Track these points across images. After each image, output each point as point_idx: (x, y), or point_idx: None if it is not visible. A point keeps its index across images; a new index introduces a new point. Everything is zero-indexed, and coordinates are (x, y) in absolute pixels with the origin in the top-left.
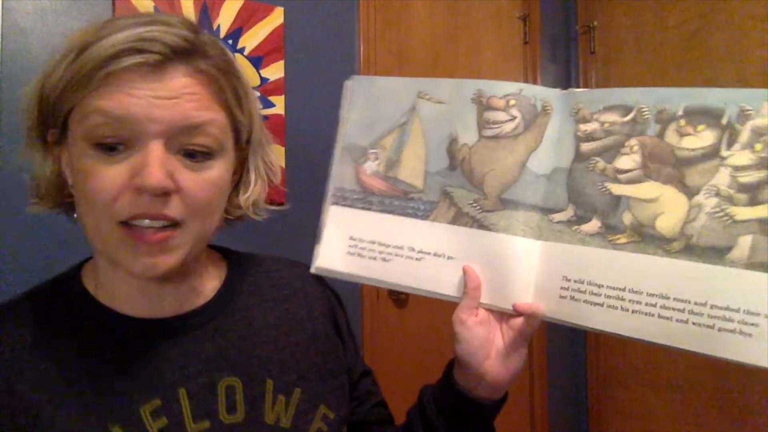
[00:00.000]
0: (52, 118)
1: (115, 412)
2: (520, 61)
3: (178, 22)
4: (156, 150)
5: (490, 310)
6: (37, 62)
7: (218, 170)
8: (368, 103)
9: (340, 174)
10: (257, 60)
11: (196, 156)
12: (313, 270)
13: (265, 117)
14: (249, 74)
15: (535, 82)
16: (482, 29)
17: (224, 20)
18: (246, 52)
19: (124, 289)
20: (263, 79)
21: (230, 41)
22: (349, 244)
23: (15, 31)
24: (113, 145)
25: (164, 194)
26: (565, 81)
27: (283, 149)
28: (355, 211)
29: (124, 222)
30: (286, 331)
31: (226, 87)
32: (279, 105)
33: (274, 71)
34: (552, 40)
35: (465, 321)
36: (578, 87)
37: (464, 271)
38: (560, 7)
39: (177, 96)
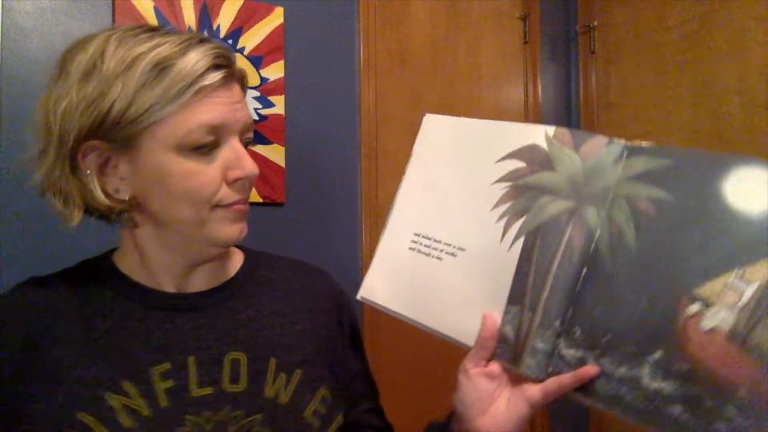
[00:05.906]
0: (116, 132)
1: (127, 369)
2: (520, 61)
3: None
4: (240, 145)
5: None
6: (37, 62)
7: None
8: None
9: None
10: (257, 60)
11: (248, 147)
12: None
13: (265, 117)
14: (249, 74)
15: (534, 82)
16: (482, 29)
17: (224, 20)
18: (246, 52)
19: (168, 267)
20: (263, 79)
21: (230, 41)
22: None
23: (15, 31)
24: (210, 146)
25: None
26: (565, 81)
27: (283, 149)
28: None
29: (221, 206)
30: (292, 320)
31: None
32: (279, 105)
33: (274, 71)
34: (552, 40)
35: (468, 370)
36: (578, 87)
37: (483, 317)
38: (560, 7)
39: (240, 101)
